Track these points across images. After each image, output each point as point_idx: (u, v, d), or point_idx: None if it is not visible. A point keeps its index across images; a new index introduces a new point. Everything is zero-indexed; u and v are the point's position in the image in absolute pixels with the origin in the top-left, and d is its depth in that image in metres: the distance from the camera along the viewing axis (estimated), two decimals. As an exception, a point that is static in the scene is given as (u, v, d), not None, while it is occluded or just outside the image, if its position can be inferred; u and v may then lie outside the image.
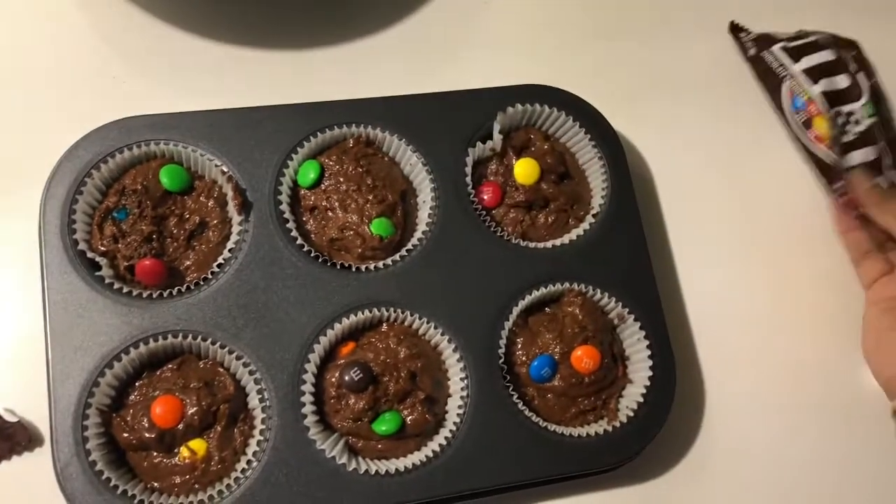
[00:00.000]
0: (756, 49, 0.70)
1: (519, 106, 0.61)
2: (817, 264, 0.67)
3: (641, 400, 0.57)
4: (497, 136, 0.60)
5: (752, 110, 0.70)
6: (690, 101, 0.70)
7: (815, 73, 0.66)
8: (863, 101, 0.65)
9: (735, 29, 0.72)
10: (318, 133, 0.59)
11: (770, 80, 0.69)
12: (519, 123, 0.63)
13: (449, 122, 0.61)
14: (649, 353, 0.58)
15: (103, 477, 0.50)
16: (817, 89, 0.65)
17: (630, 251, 0.61)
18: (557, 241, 0.60)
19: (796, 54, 0.67)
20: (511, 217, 0.61)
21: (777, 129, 0.70)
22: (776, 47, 0.68)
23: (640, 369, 0.58)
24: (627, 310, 0.59)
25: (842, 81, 0.66)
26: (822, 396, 0.64)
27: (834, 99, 0.65)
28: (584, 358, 0.57)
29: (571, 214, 0.61)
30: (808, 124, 0.67)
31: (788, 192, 0.69)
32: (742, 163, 0.69)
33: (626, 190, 0.62)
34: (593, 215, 0.61)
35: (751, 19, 0.72)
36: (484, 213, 0.60)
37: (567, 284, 0.59)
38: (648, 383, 0.57)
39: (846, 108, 0.65)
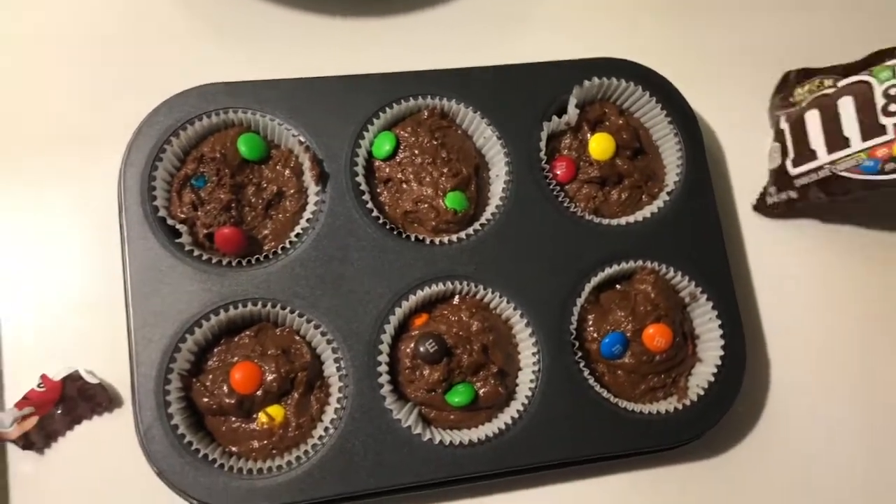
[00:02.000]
0: (792, 191, 0.64)
1: (595, 79, 0.60)
2: (892, 256, 0.66)
3: (712, 379, 0.57)
4: (573, 110, 0.60)
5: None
6: (767, 80, 0.68)
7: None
8: None
9: (766, 208, 0.66)
10: (394, 104, 0.58)
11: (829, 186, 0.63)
12: (594, 98, 0.62)
13: (523, 95, 0.60)
14: (720, 332, 0.58)
15: (185, 440, 0.51)
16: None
17: (703, 230, 0.60)
18: (631, 218, 0.60)
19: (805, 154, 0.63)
20: (584, 193, 0.60)
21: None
22: (796, 171, 0.63)
23: (710, 348, 0.58)
24: (700, 289, 0.59)
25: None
26: (889, 382, 0.63)
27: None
28: (656, 336, 0.57)
29: (645, 191, 0.61)
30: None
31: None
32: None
33: (700, 167, 0.61)
34: (667, 192, 0.60)
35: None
36: (557, 188, 0.60)
37: (639, 262, 0.59)
38: (719, 363, 0.57)
39: None
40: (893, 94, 0.58)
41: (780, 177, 0.64)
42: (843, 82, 0.61)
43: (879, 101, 0.59)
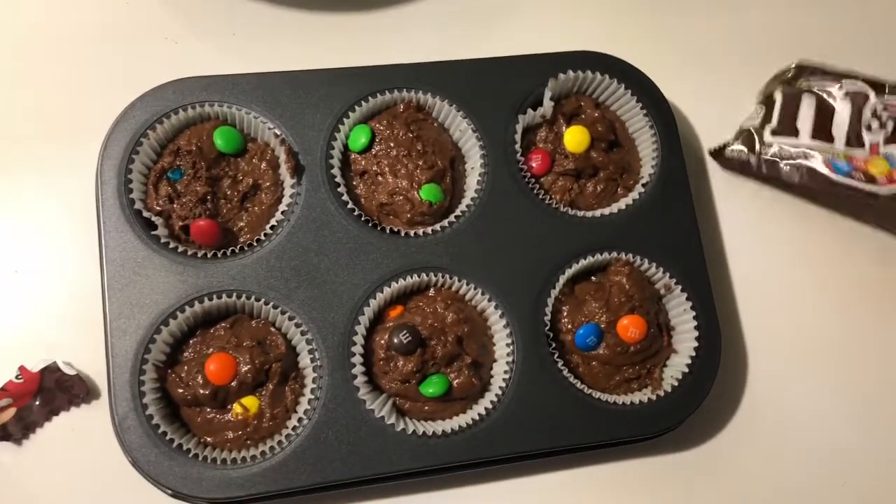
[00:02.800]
0: (753, 156, 0.66)
1: (570, 73, 0.61)
2: (865, 241, 0.67)
3: (686, 370, 0.57)
4: (548, 103, 0.60)
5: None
6: (741, 72, 0.69)
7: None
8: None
9: (721, 158, 0.67)
10: (370, 97, 0.59)
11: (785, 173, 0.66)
12: (569, 90, 0.62)
13: (499, 88, 0.61)
14: (695, 324, 0.58)
15: (160, 430, 0.52)
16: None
17: (679, 222, 0.60)
18: (606, 210, 0.60)
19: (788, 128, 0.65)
20: (560, 185, 0.61)
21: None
22: (767, 134, 0.65)
23: (685, 340, 0.59)
24: (675, 280, 0.59)
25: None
26: (865, 369, 0.64)
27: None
28: (630, 327, 0.57)
29: (621, 183, 0.61)
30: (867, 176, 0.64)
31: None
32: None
33: (676, 160, 0.61)
34: (643, 185, 0.60)
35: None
36: (532, 180, 0.60)
37: (614, 254, 0.59)
38: (694, 354, 0.57)
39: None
40: (878, 113, 0.63)
41: (750, 136, 0.65)
42: (850, 86, 0.64)
43: (867, 116, 0.62)
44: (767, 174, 0.65)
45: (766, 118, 0.65)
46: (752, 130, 0.65)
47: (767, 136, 0.64)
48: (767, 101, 0.65)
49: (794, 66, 0.67)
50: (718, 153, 0.66)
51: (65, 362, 0.56)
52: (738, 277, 0.65)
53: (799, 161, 0.64)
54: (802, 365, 0.63)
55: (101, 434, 0.54)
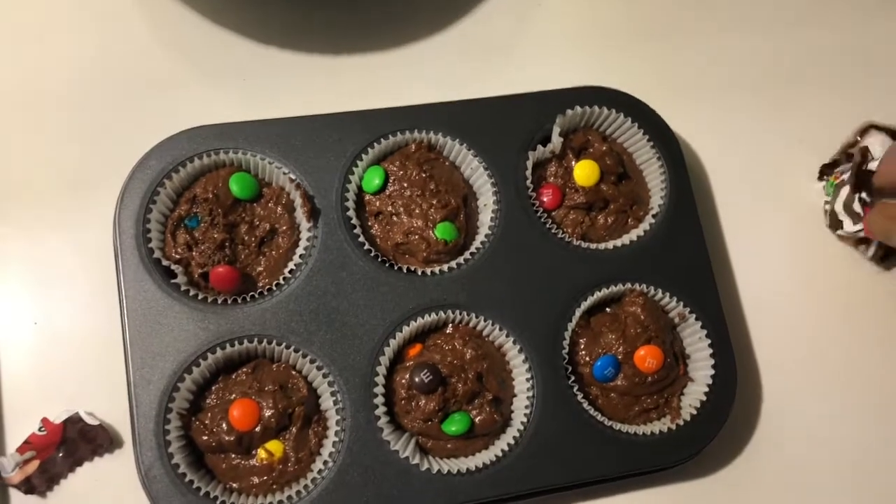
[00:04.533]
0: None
1: (578, 108, 0.62)
2: (874, 267, 0.68)
3: (704, 398, 0.58)
4: (556, 139, 0.61)
5: (808, 109, 0.71)
6: (747, 101, 0.70)
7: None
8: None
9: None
10: (381, 139, 0.60)
11: None
12: (577, 125, 0.63)
13: (508, 125, 0.62)
14: (710, 351, 0.59)
15: (186, 479, 0.52)
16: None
17: (690, 251, 0.61)
18: (618, 242, 0.61)
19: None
20: (571, 218, 0.62)
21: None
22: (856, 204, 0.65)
23: (701, 368, 0.59)
24: (689, 309, 0.60)
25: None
26: (883, 397, 0.64)
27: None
28: (647, 357, 0.58)
29: (631, 215, 0.62)
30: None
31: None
32: (797, 161, 0.69)
33: (684, 189, 0.62)
34: (653, 215, 0.61)
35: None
36: (544, 215, 0.61)
37: (628, 285, 0.60)
38: (711, 381, 0.58)
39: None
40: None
41: (834, 215, 0.67)
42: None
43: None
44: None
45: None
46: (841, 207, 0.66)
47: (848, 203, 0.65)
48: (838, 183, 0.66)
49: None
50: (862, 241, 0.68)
51: (87, 412, 0.56)
52: (749, 303, 0.65)
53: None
54: (818, 385, 0.64)
55: (125, 483, 0.55)
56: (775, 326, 0.65)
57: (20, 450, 0.55)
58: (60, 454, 0.56)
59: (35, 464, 0.55)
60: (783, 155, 0.70)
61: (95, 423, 0.56)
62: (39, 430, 0.55)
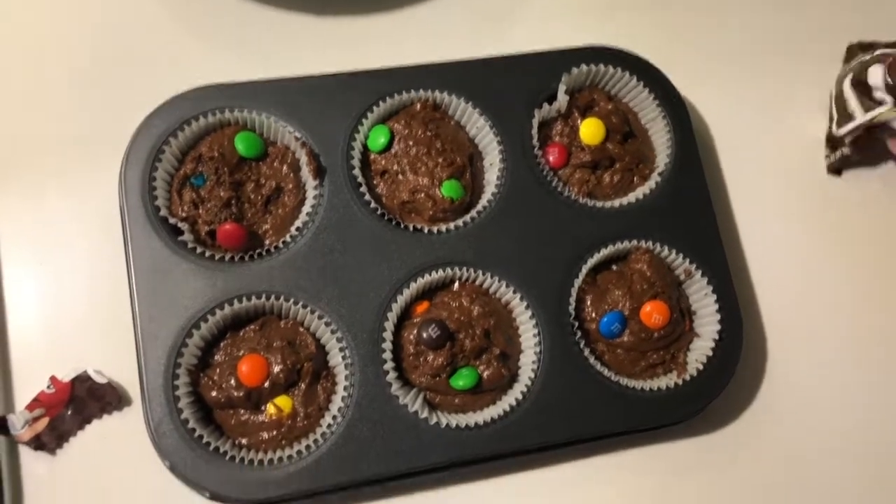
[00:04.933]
0: (846, 148, 0.67)
1: (584, 67, 0.62)
2: (880, 222, 0.68)
3: (710, 353, 0.58)
4: (562, 97, 0.61)
5: (815, 73, 0.70)
6: (754, 65, 0.70)
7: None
8: None
9: (836, 168, 0.69)
10: (387, 98, 0.60)
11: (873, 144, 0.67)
12: (583, 84, 0.63)
13: (514, 84, 0.62)
14: (716, 307, 0.59)
15: (196, 434, 0.52)
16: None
17: (695, 208, 0.62)
18: (624, 200, 0.61)
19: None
20: (577, 177, 0.62)
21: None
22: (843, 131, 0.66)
23: (707, 323, 0.60)
24: (694, 265, 0.60)
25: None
26: (890, 352, 0.65)
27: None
28: (653, 313, 0.58)
29: (636, 173, 0.62)
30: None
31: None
32: (804, 125, 0.70)
33: (690, 148, 0.62)
34: (658, 173, 0.61)
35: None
36: (550, 173, 0.61)
37: (634, 242, 0.60)
38: (717, 337, 0.58)
39: None
40: None
41: (830, 140, 0.68)
42: (878, 51, 0.64)
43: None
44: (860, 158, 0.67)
45: (830, 119, 0.66)
46: (828, 135, 0.67)
47: (836, 131, 0.66)
48: (838, 100, 0.66)
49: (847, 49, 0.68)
50: (835, 169, 0.69)
51: (95, 371, 0.56)
52: (753, 260, 0.65)
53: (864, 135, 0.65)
54: (823, 341, 0.64)
55: (134, 441, 0.55)
56: (781, 283, 0.65)
57: (29, 407, 0.55)
58: (69, 412, 0.56)
59: (44, 421, 0.55)
60: (789, 118, 0.70)
61: (104, 381, 0.56)
62: (48, 388, 0.55)
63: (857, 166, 0.69)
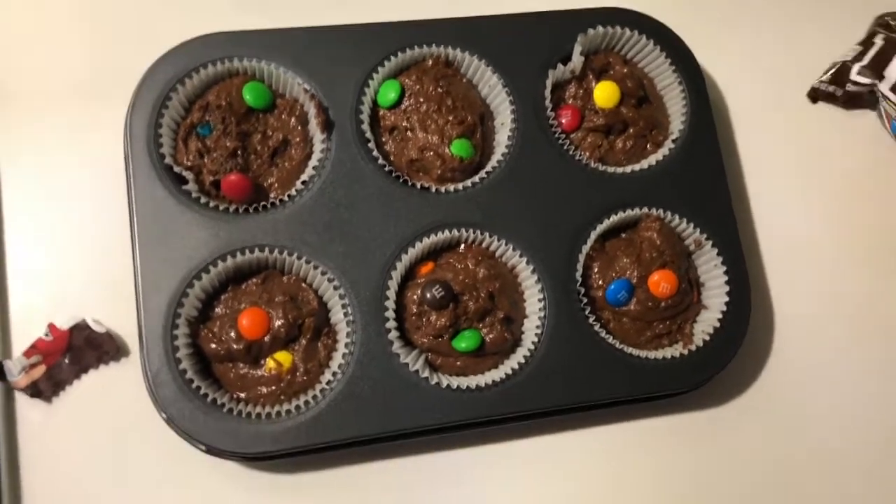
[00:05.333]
0: (840, 89, 0.67)
1: (600, 28, 0.60)
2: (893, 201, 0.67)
3: (717, 325, 0.57)
4: (577, 58, 0.60)
5: (836, 46, 0.69)
6: (772, 32, 0.69)
7: None
8: None
9: (814, 94, 0.69)
10: (398, 52, 0.58)
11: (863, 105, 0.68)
12: (598, 47, 0.62)
13: (529, 43, 0.60)
14: (725, 279, 0.58)
15: (193, 385, 0.52)
16: None
17: (708, 178, 0.60)
18: (636, 167, 0.60)
19: (875, 70, 0.66)
20: (589, 141, 0.60)
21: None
22: (854, 72, 0.66)
23: (715, 295, 0.59)
24: (705, 236, 0.59)
25: None
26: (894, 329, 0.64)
27: None
28: (661, 282, 0.57)
29: (650, 139, 0.61)
30: None
31: (865, 129, 0.68)
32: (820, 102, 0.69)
33: (705, 116, 0.61)
34: (672, 140, 0.60)
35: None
36: (562, 136, 0.60)
37: (645, 209, 0.59)
38: (725, 308, 0.58)
39: None
40: None
41: (841, 70, 0.67)
42: None
43: None
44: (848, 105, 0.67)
45: (860, 56, 0.66)
46: (845, 64, 0.66)
47: (854, 74, 0.65)
48: (867, 42, 0.66)
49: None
50: (813, 92, 0.68)
51: (94, 320, 0.56)
52: (765, 233, 0.65)
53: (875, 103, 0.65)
54: (831, 318, 0.64)
55: (131, 391, 0.54)
56: (792, 257, 0.64)
57: (26, 354, 0.54)
58: (66, 360, 0.55)
59: (41, 369, 0.55)
60: (807, 89, 0.69)
61: (102, 330, 0.56)
62: (46, 335, 0.55)
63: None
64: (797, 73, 0.68)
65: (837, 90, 0.67)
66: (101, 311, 0.56)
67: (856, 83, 0.66)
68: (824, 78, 0.67)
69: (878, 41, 0.65)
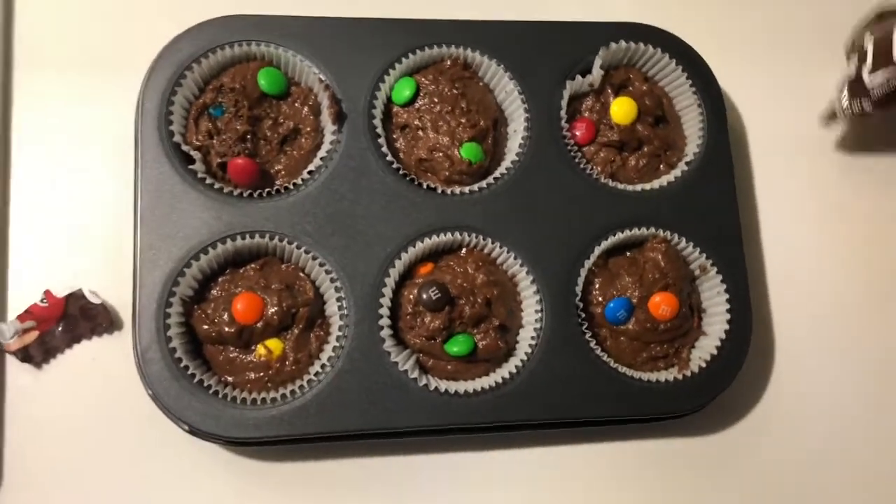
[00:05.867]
0: (865, 99, 0.64)
1: (623, 43, 0.59)
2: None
3: (714, 353, 0.56)
4: (597, 72, 0.59)
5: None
6: (799, 61, 0.68)
7: None
8: None
9: (832, 116, 0.66)
10: (417, 50, 0.58)
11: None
12: (619, 62, 0.61)
13: (549, 52, 0.60)
14: (727, 307, 0.57)
15: (182, 364, 0.52)
16: None
17: (719, 204, 0.59)
18: (647, 186, 0.59)
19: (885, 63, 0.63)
20: (602, 156, 0.60)
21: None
22: (868, 81, 0.63)
23: (715, 322, 0.58)
24: (710, 262, 0.58)
25: None
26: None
27: None
28: (661, 304, 0.56)
29: (664, 160, 0.60)
30: None
31: (882, 169, 0.67)
32: (844, 132, 0.67)
33: (722, 141, 0.60)
34: (686, 163, 0.59)
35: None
36: (575, 148, 0.59)
37: (652, 230, 0.58)
38: (724, 336, 0.57)
39: None
40: None
41: (853, 85, 0.63)
42: None
43: None
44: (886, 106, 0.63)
45: (861, 62, 0.63)
46: (853, 79, 0.63)
47: (866, 77, 0.62)
48: (859, 50, 0.64)
49: (874, 14, 0.64)
50: (832, 116, 0.66)
51: (91, 291, 0.56)
52: (773, 264, 0.64)
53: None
54: (835, 355, 0.63)
55: (120, 366, 0.55)
56: (798, 290, 0.63)
57: (20, 318, 0.55)
58: (60, 328, 0.55)
59: (34, 334, 0.55)
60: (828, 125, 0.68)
61: (98, 301, 0.56)
62: (42, 301, 0.55)
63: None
64: (820, 103, 0.67)
65: (864, 101, 0.63)
66: (99, 283, 0.57)
67: (875, 86, 0.62)
68: (844, 100, 0.64)
69: (868, 43, 0.63)
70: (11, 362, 0.55)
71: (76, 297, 0.56)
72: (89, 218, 0.58)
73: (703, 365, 0.56)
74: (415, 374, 0.53)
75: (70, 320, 0.56)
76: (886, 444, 0.61)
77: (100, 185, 0.58)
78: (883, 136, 0.68)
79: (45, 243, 0.57)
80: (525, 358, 0.55)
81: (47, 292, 0.55)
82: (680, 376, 0.56)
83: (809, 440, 0.61)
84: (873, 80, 0.61)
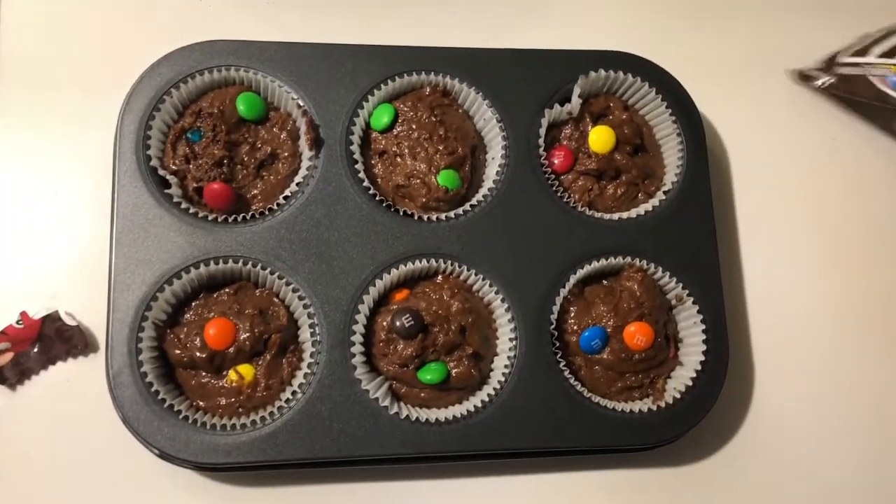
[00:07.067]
0: (828, 77, 0.67)
1: (602, 72, 0.60)
2: (887, 271, 0.65)
3: (690, 384, 0.56)
4: (576, 100, 0.59)
5: (842, 106, 0.68)
6: (779, 89, 0.68)
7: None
8: None
9: (804, 77, 0.68)
10: (396, 77, 0.58)
11: (857, 86, 0.66)
12: (599, 90, 0.61)
13: (528, 80, 0.60)
14: (704, 338, 0.57)
15: (152, 389, 0.52)
16: None
17: (697, 234, 0.59)
18: (624, 215, 0.59)
19: (863, 52, 0.66)
20: (580, 185, 0.60)
21: (868, 131, 0.68)
22: (843, 60, 0.66)
23: (691, 353, 0.57)
24: (687, 292, 0.58)
25: None
26: (873, 403, 0.62)
27: None
28: (637, 334, 0.56)
29: (642, 189, 0.60)
30: None
31: (872, 194, 0.67)
32: (826, 160, 0.67)
33: (701, 171, 0.60)
34: (664, 192, 0.59)
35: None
36: (553, 177, 0.59)
37: (628, 259, 0.58)
38: (700, 367, 0.56)
39: None
40: None
41: (829, 60, 0.67)
42: None
43: None
44: (838, 89, 0.66)
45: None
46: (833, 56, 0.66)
47: (839, 56, 0.65)
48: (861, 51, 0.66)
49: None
50: (804, 76, 0.68)
51: (67, 312, 0.56)
52: (753, 295, 0.63)
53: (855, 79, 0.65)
54: (810, 391, 0.62)
55: (94, 388, 0.54)
56: (777, 322, 0.63)
57: (-5, 339, 0.55)
58: (35, 350, 0.56)
59: (9, 356, 0.55)
60: (813, 151, 0.67)
61: (74, 323, 0.56)
62: (17, 322, 0.55)
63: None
64: (803, 133, 0.67)
65: (831, 78, 0.66)
66: (75, 305, 0.57)
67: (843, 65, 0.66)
68: (819, 67, 0.67)
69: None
70: (-16, 384, 0.55)
71: (52, 319, 0.56)
72: (69, 239, 0.58)
73: (678, 396, 0.56)
74: (386, 402, 0.53)
75: (46, 342, 0.56)
76: (865, 477, 0.61)
77: (78, 207, 0.59)
78: (863, 159, 0.68)
79: (23, 265, 0.57)
80: (498, 386, 0.55)
81: (23, 314, 0.55)
82: (655, 407, 0.56)
83: (786, 471, 0.60)
84: (842, 61, 0.65)
